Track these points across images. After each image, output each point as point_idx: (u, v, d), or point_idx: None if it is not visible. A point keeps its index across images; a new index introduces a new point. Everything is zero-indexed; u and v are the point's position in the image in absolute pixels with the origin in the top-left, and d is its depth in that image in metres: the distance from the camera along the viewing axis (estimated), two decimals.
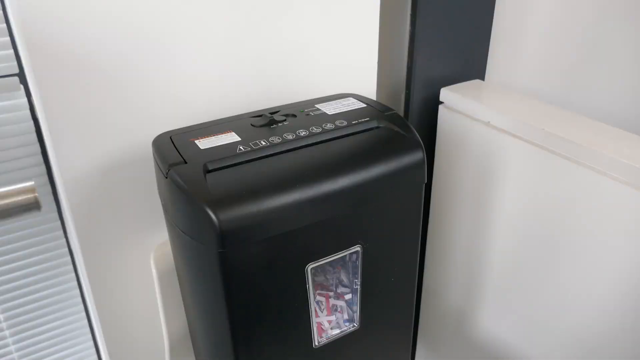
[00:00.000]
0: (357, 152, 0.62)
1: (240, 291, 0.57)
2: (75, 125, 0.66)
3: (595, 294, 0.76)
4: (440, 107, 0.92)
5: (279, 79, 0.79)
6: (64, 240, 0.86)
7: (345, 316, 0.70)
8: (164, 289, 0.76)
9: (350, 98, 0.75)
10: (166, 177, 0.58)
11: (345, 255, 0.64)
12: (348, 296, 0.70)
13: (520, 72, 1.11)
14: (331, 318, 0.69)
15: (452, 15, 0.90)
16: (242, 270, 0.56)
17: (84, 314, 0.94)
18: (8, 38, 0.71)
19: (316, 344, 0.67)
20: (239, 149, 0.60)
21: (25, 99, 0.75)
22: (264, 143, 0.61)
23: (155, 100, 0.70)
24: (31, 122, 0.76)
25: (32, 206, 0.57)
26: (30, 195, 0.57)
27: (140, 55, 0.67)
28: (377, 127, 0.67)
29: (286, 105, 0.74)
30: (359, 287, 0.67)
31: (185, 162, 0.58)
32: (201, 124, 0.69)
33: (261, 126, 0.66)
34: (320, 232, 0.60)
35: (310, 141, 0.63)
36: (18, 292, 0.86)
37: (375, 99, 0.87)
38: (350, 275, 0.69)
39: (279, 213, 0.56)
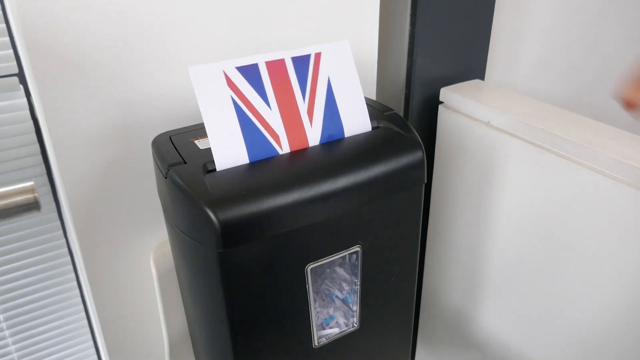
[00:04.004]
0: (357, 152, 0.62)
1: (240, 291, 0.57)
2: (75, 125, 0.66)
3: (595, 294, 0.76)
4: (440, 107, 0.92)
5: None
6: (64, 240, 0.86)
7: (345, 316, 0.70)
8: (164, 289, 0.76)
9: None
10: (166, 177, 0.58)
11: (345, 255, 0.64)
12: (347, 296, 0.70)
13: (520, 72, 1.11)
14: (331, 314, 0.69)
15: (452, 15, 0.90)
16: (242, 270, 0.56)
17: (84, 314, 0.94)
18: (8, 38, 0.71)
19: (316, 344, 0.67)
20: None
21: (25, 99, 0.75)
22: None
23: (155, 101, 0.70)
24: (31, 122, 0.76)
25: (32, 206, 0.57)
26: (30, 195, 0.57)
27: (140, 55, 0.67)
28: (377, 127, 0.67)
29: None
30: (358, 287, 0.67)
31: (185, 162, 0.58)
32: (201, 124, 0.68)
33: None
34: (320, 232, 0.60)
35: None
36: (18, 292, 0.86)
37: (375, 99, 0.87)
38: (350, 276, 0.69)
39: (278, 213, 0.55)
